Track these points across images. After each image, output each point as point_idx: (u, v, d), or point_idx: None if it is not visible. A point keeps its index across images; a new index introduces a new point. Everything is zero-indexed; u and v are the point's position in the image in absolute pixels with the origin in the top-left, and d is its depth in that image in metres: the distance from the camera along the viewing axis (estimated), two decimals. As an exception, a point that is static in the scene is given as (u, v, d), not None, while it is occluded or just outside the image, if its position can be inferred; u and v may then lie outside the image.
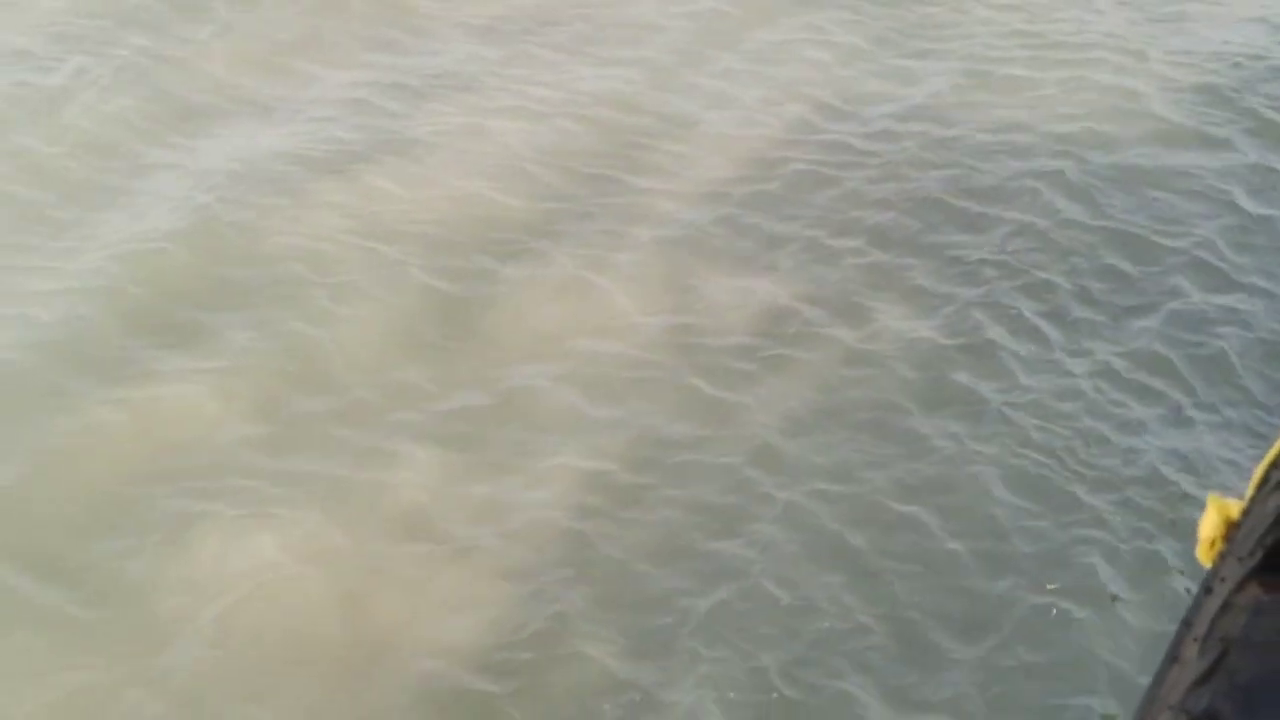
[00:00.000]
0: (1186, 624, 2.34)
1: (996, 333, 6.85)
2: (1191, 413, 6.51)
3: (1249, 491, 2.47)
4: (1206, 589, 2.28)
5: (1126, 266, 7.27)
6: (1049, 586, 5.55)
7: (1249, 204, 7.89)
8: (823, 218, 7.59)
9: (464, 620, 5.20)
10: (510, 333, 6.61)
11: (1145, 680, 2.50)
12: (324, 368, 6.24)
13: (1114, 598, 5.68)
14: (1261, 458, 2.62)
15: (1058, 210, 7.63)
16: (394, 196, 7.53)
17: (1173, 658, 2.22)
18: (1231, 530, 2.44)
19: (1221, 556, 2.35)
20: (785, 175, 7.85)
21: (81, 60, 8.61)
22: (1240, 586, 2.00)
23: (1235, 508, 2.52)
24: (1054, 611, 5.49)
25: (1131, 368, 6.70)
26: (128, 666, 4.95)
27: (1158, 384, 6.71)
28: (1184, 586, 5.27)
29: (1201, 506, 2.69)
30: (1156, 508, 5.96)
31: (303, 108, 8.35)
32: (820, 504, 5.81)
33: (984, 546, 5.76)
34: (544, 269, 6.90)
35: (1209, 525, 2.51)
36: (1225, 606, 2.00)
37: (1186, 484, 6.05)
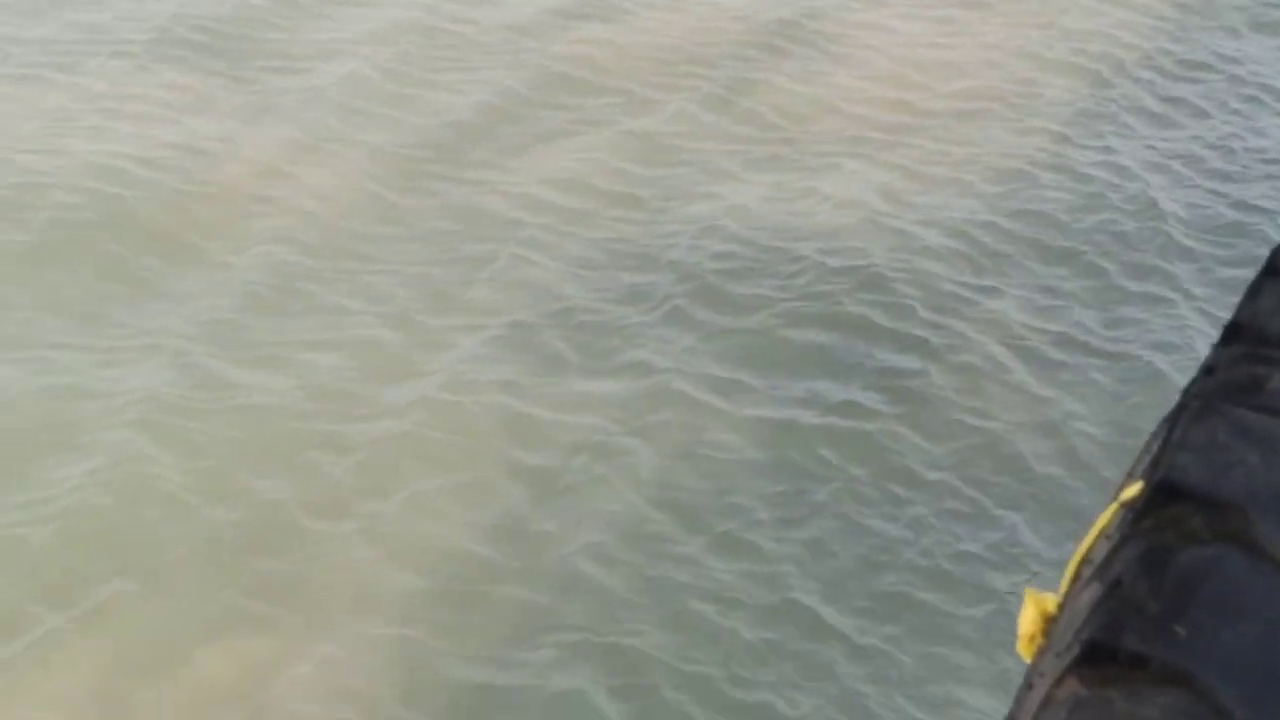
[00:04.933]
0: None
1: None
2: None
3: (1063, 586, 2.53)
4: (1028, 684, 2.32)
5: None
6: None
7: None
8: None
9: None
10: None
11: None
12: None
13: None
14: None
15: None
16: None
17: (999, 754, 2.24)
18: (1049, 624, 2.48)
19: (1041, 651, 2.39)
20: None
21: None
22: (1059, 681, 2.04)
23: (1052, 602, 2.57)
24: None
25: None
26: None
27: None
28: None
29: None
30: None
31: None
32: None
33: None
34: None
35: (1027, 620, 2.55)
36: (1045, 702, 2.04)
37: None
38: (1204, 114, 10.90)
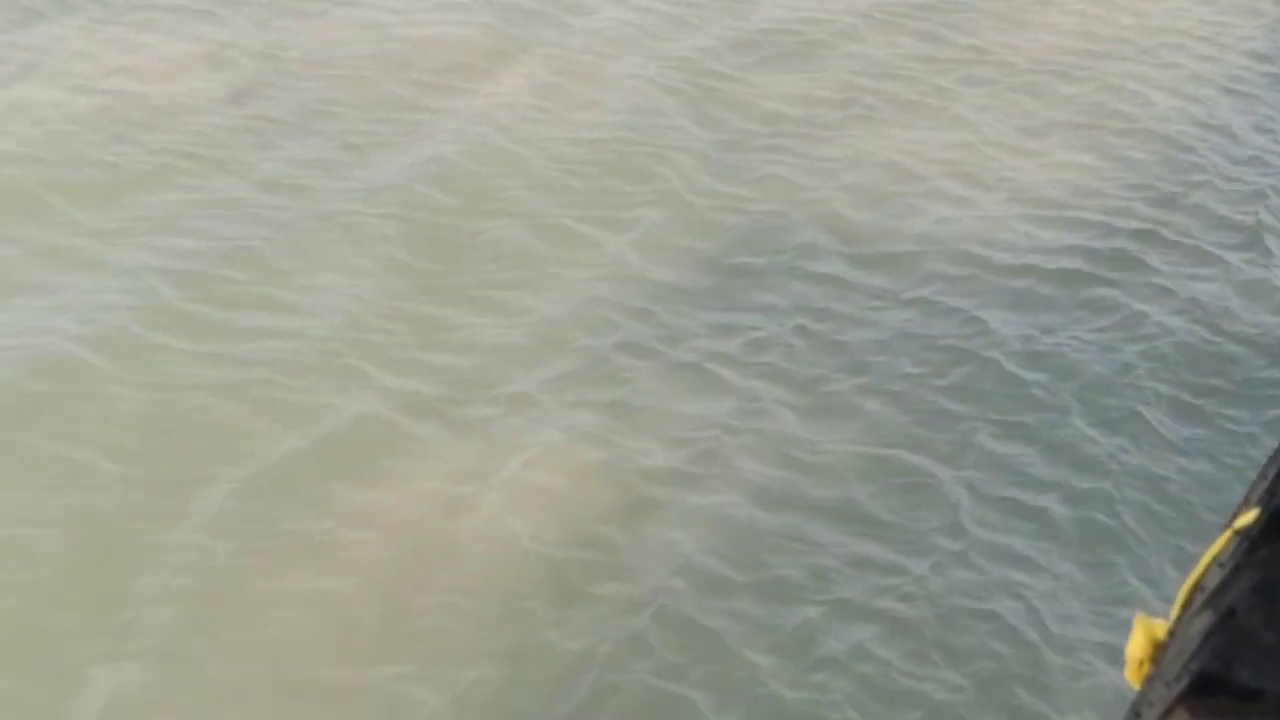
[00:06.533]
0: (1117, 748, 2.34)
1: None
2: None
3: (1174, 613, 2.49)
4: (1136, 713, 2.28)
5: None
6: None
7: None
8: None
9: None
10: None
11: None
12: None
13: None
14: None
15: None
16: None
17: (1105, 782, 2.22)
18: (1159, 652, 2.44)
19: (1149, 679, 2.36)
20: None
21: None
22: (1168, 712, 2.01)
23: (1161, 628, 2.53)
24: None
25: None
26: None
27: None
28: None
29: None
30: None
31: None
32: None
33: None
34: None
35: (1136, 646, 2.51)
36: (1154, 732, 2.01)
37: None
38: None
